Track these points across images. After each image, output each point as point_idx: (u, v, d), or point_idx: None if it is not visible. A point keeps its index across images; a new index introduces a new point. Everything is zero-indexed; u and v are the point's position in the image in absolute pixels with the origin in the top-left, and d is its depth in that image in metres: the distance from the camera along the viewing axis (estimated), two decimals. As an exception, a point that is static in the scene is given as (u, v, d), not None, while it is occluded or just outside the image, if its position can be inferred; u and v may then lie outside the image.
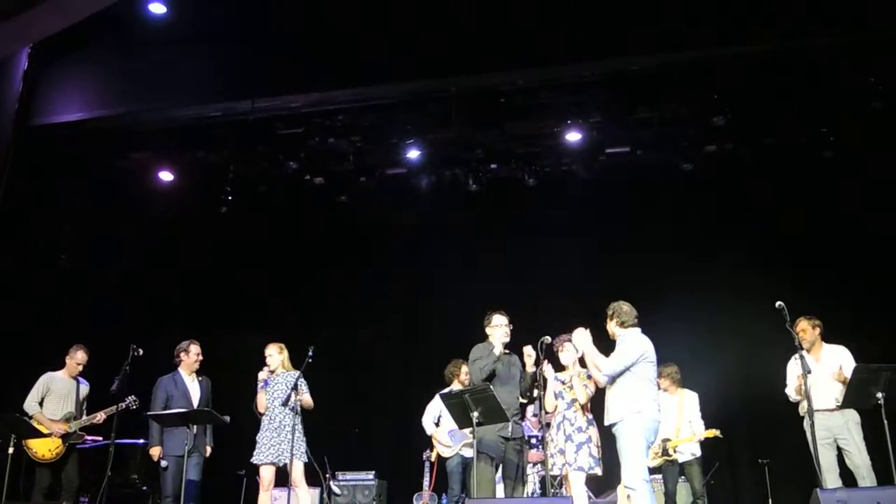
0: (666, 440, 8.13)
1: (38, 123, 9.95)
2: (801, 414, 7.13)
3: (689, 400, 8.33)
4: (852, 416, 6.93)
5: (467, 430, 7.56)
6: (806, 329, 7.22)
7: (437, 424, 8.49)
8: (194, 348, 7.83)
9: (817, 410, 6.88)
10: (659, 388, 8.23)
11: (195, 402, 7.67)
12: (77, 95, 10.03)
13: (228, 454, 8.07)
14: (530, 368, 6.78)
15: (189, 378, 7.80)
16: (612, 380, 6.25)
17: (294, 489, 7.27)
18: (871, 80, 8.77)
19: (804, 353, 6.74)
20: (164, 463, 7.40)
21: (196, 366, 7.82)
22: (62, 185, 10.41)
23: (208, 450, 7.72)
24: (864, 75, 8.78)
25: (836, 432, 6.95)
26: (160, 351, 8.10)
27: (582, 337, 6.46)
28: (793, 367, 7.17)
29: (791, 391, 7.19)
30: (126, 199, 10.93)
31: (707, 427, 8.19)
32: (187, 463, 7.19)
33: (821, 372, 7.02)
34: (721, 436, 8.14)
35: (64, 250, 10.53)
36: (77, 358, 8.11)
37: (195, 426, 7.27)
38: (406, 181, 10.78)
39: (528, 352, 6.76)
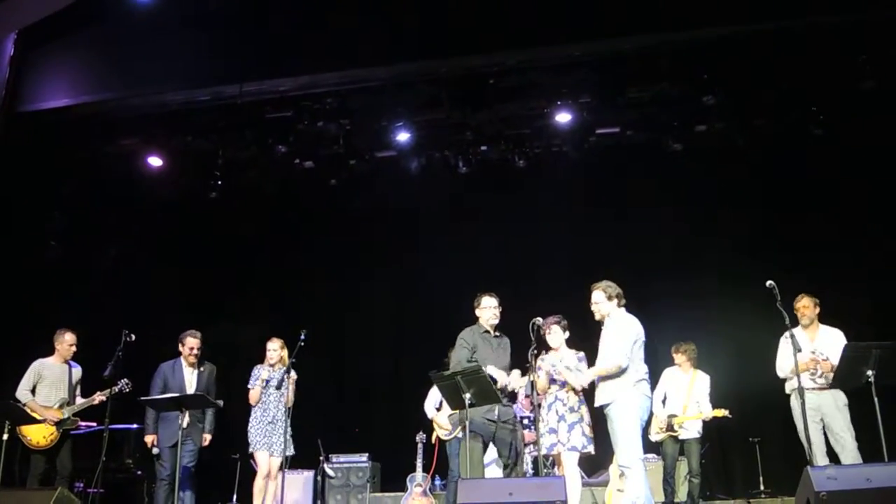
0: (672, 416, 8.23)
1: (26, 110, 9.87)
2: (788, 392, 7.20)
3: (701, 381, 8.40)
4: (840, 396, 6.99)
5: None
6: (808, 305, 7.28)
7: (438, 409, 8.55)
8: (189, 340, 7.81)
9: (807, 389, 6.94)
10: (674, 364, 8.36)
11: (189, 392, 7.66)
12: (64, 81, 9.95)
13: (221, 439, 8.08)
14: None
15: (189, 368, 7.83)
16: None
17: (271, 479, 7.68)
18: (862, 58, 8.76)
19: (794, 330, 6.77)
20: (156, 450, 7.53)
21: (191, 358, 7.82)
22: (51, 171, 10.35)
23: (207, 438, 7.78)
24: (854, 54, 8.78)
25: (823, 411, 7.00)
26: (151, 336, 8.10)
27: (581, 377, 6.60)
28: (784, 344, 7.19)
29: (782, 367, 7.20)
30: (115, 184, 10.89)
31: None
32: (182, 449, 7.24)
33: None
34: (730, 416, 8.16)
35: (54, 237, 10.49)
36: (66, 340, 8.05)
37: (188, 413, 7.31)
38: (396, 164, 10.74)
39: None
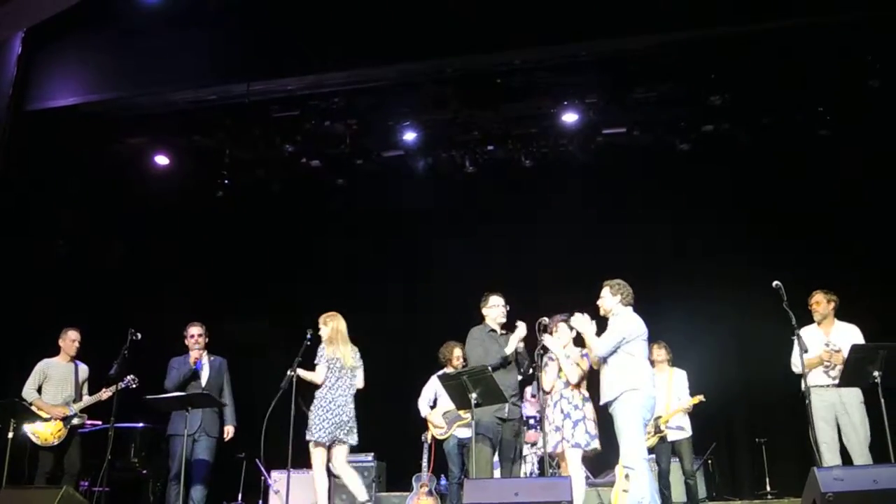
0: (657, 418, 8.14)
1: (34, 108, 9.88)
2: (803, 389, 7.10)
3: (678, 378, 8.33)
4: (855, 394, 6.87)
5: (461, 412, 7.65)
6: (820, 302, 7.22)
7: (433, 406, 8.54)
8: (192, 330, 7.80)
9: (821, 386, 6.91)
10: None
11: (203, 381, 7.64)
12: (72, 80, 9.96)
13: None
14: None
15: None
16: (605, 359, 6.29)
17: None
18: (868, 58, 8.74)
19: (809, 327, 6.72)
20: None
21: (197, 346, 7.82)
22: (59, 170, 10.35)
23: (230, 430, 7.68)
24: (861, 53, 8.75)
25: (837, 409, 6.92)
26: (158, 335, 8.09)
27: (582, 321, 6.51)
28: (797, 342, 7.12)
29: (796, 364, 7.01)
30: (123, 183, 10.91)
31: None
32: (196, 444, 7.24)
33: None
34: (704, 399, 8.12)
35: (61, 235, 10.51)
36: (69, 337, 8.06)
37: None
38: (403, 163, 10.76)
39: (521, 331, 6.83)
